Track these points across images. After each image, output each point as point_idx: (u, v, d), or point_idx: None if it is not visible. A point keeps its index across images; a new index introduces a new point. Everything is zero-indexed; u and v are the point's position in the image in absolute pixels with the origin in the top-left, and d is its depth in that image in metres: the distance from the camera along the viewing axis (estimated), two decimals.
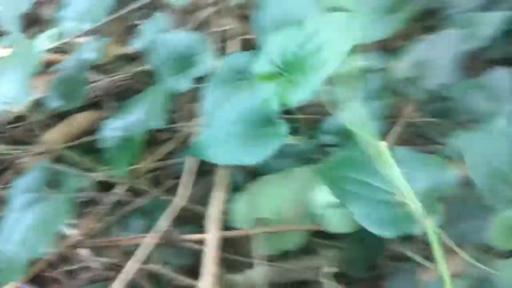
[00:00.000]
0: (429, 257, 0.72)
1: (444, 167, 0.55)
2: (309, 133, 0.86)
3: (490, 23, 0.86)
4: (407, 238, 0.77)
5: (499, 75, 0.77)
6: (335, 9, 0.96)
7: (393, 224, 0.51)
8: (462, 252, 0.62)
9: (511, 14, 0.87)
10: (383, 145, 0.60)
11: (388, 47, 1.12)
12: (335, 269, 0.82)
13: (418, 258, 0.69)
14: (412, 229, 0.51)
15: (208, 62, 0.79)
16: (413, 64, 0.74)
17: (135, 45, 0.92)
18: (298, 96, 0.57)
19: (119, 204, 0.78)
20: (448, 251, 0.69)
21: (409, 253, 0.70)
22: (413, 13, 0.78)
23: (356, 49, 0.97)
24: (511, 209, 0.50)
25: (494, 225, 0.50)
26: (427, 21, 1.16)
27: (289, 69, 0.62)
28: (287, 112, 0.91)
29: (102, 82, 0.95)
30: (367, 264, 0.80)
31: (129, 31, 1.12)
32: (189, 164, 0.72)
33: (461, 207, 0.73)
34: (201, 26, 1.08)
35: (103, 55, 0.88)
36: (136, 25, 1.13)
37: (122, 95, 1.04)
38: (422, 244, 0.79)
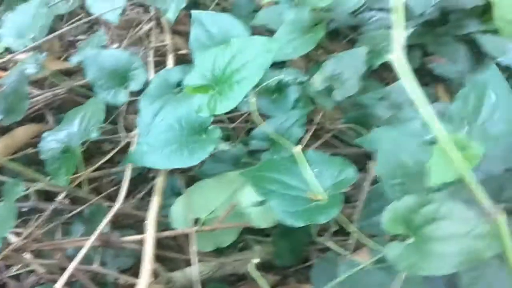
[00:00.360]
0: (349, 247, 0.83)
1: (347, 167, 0.65)
2: (241, 140, 0.94)
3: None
4: (334, 233, 0.87)
5: (400, 87, 0.90)
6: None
7: (303, 216, 0.60)
8: (368, 241, 0.72)
9: (413, 32, 1.01)
10: (297, 149, 0.69)
11: (313, 62, 1.24)
12: (264, 261, 0.91)
13: (339, 249, 0.77)
14: (320, 219, 0.60)
15: (143, 77, 0.85)
16: (325, 78, 0.84)
17: (74, 60, 0.96)
18: (225, 106, 0.65)
19: (62, 211, 0.81)
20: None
21: (332, 245, 0.78)
22: (324, 34, 0.88)
23: (282, 65, 1.08)
24: (399, 201, 0.60)
25: (385, 214, 0.60)
26: (348, 38, 1.30)
27: (218, 83, 0.70)
28: (221, 121, 0.99)
29: (43, 96, 0.97)
30: (295, 256, 0.89)
31: (69, 46, 1.14)
32: (129, 172, 0.77)
33: (373, 201, 0.84)
34: (138, 41, 1.13)
35: (43, 70, 0.91)
36: (75, 41, 1.16)
37: (63, 108, 1.06)
38: (343, 236, 0.89)
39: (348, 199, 1.06)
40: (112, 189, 0.90)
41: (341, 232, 0.82)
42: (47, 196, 0.90)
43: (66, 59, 1.13)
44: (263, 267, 0.98)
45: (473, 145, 0.59)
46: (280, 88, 0.90)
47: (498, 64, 1.15)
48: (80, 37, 1.19)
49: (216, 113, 0.67)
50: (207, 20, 0.92)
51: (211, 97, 0.67)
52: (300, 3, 0.95)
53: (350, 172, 0.64)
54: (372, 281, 0.70)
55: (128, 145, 0.94)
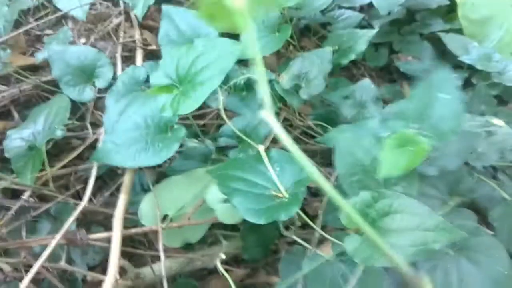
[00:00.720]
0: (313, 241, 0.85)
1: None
2: (211, 136, 0.95)
3: (362, 39, 1.02)
4: (301, 227, 0.89)
5: (365, 85, 0.93)
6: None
7: (266, 213, 0.62)
8: (329, 235, 0.75)
9: (378, 31, 1.04)
10: (261, 148, 0.71)
11: (284, 58, 1.26)
12: (233, 255, 0.93)
13: (304, 243, 0.80)
14: (281, 216, 0.62)
15: (110, 74, 0.85)
16: (293, 77, 0.86)
17: (39, 56, 0.95)
18: (188, 107, 0.66)
19: (28, 209, 0.81)
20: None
21: (298, 239, 0.80)
22: (291, 32, 0.89)
23: (252, 62, 1.09)
24: (356, 197, 0.63)
25: (342, 210, 0.63)
26: (319, 35, 1.32)
27: (182, 83, 0.70)
28: (188, 118, 1.00)
29: (8, 92, 0.96)
30: (263, 250, 0.91)
31: (35, 41, 1.12)
32: (95, 170, 0.77)
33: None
34: (107, 36, 1.12)
35: (8, 66, 0.90)
36: (42, 36, 1.14)
37: (29, 104, 1.05)
38: (311, 229, 0.92)
39: (316, 193, 1.09)
40: (80, 186, 0.90)
41: (308, 224, 0.84)
42: (14, 193, 0.89)
43: (32, 55, 1.11)
44: (233, 260, 1.00)
45: (422, 141, 0.62)
46: (249, 86, 0.91)
47: (461, 62, 1.21)
48: (47, 31, 1.16)
49: (179, 113, 0.67)
50: (177, 16, 0.92)
51: (174, 97, 0.68)
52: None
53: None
54: (335, 273, 0.73)
55: (96, 141, 0.94)
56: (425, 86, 0.74)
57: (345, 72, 1.37)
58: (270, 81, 0.90)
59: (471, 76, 1.25)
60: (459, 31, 1.31)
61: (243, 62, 1.10)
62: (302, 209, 0.98)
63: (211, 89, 0.65)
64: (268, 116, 0.21)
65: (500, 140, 0.91)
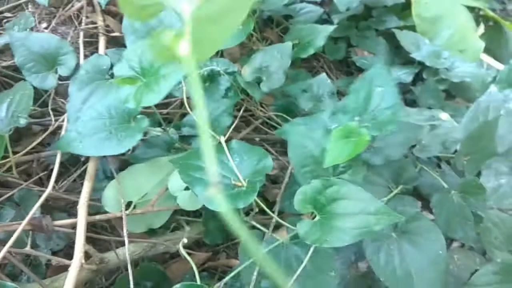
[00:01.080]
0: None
1: (265, 156, 0.72)
2: (174, 125, 0.98)
3: (321, 35, 1.07)
4: (260, 213, 0.94)
5: (322, 80, 0.98)
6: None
7: (226, 201, 0.66)
8: (284, 220, 0.80)
9: (337, 26, 1.09)
10: (222, 139, 0.75)
11: (247, 49, 1.29)
12: (195, 240, 0.97)
13: (262, 228, 0.85)
14: (239, 204, 0.66)
15: (73, 62, 0.86)
16: (254, 70, 0.90)
17: (0, 41, 0.93)
18: (151, 99, 0.68)
19: None
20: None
21: (257, 224, 0.85)
22: (253, 26, 0.93)
23: (216, 53, 1.12)
24: (308, 185, 0.69)
25: (296, 196, 0.68)
26: (281, 26, 1.36)
27: (145, 75, 0.73)
28: (151, 107, 1.02)
29: None
30: (223, 234, 0.96)
31: None
32: (59, 158, 0.79)
33: (294, 184, 0.92)
34: (69, 20, 1.11)
35: None
36: (1, 19, 1.11)
37: None
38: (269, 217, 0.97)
39: (276, 181, 1.14)
40: (43, 173, 0.90)
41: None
42: None
43: None
44: (195, 245, 1.05)
45: (363, 132, 0.69)
46: (212, 77, 0.94)
47: (413, 58, 1.29)
48: (6, 14, 1.14)
49: (142, 105, 0.69)
50: None
51: (137, 89, 0.70)
52: None
53: (268, 162, 0.71)
54: (289, 255, 0.79)
55: (57, 128, 0.95)
56: (364, 80, 0.80)
57: (305, 63, 1.43)
58: (233, 73, 0.93)
59: (421, 71, 1.34)
60: (413, 28, 1.38)
61: None
62: (262, 196, 1.03)
63: (174, 82, 0.67)
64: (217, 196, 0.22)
65: (443, 133, 1.00)
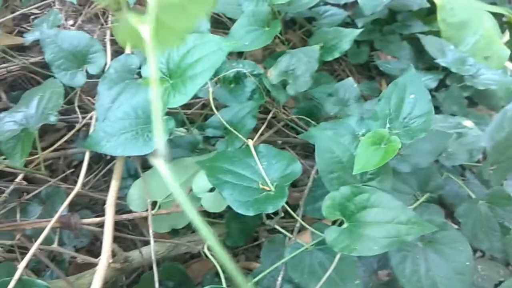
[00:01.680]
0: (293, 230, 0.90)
1: (293, 162, 0.72)
2: (198, 125, 0.98)
3: (346, 38, 1.07)
4: (283, 216, 0.94)
5: (348, 84, 0.97)
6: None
7: (254, 205, 0.66)
8: (309, 226, 0.80)
9: (360, 31, 1.08)
10: (250, 142, 0.75)
11: (270, 50, 1.29)
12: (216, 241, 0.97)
13: (284, 231, 0.85)
14: (268, 209, 0.66)
15: (102, 61, 0.86)
16: (280, 73, 0.89)
17: (29, 38, 0.94)
18: (178, 100, 0.68)
19: (18, 191, 0.82)
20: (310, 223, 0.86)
21: (279, 228, 0.85)
22: (279, 29, 0.92)
23: (240, 54, 1.12)
24: (337, 191, 0.68)
25: (324, 202, 0.68)
26: (304, 29, 1.35)
27: (172, 76, 0.73)
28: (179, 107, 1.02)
29: None
30: (245, 237, 0.96)
31: (21, 20, 1.11)
32: (88, 156, 0.79)
33: (318, 188, 0.92)
34: (95, 18, 1.12)
35: None
36: (28, 14, 1.13)
37: (15, 85, 1.04)
38: (290, 218, 0.97)
39: (296, 184, 1.14)
40: (69, 171, 0.91)
41: (288, 214, 0.89)
42: (0, 175, 0.90)
43: (18, 34, 1.10)
44: None
45: (394, 139, 0.68)
46: (238, 79, 0.94)
47: (437, 63, 1.27)
48: (33, 10, 1.15)
49: (169, 107, 0.69)
50: None
51: (165, 90, 0.70)
52: None
53: (296, 167, 0.71)
54: (314, 261, 0.78)
55: (84, 126, 0.96)
56: (396, 86, 0.79)
57: (326, 66, 1.42)
58: (259, 75, 0.93)
59: (445, 78, 1.32)
60: (437, 33, 1.37)
61: (231, 54, 1.13)
62: None
63: (201, 83, 0.67)
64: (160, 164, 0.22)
65: (470, 142, 0.98)
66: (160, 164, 0.22)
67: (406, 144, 0.81)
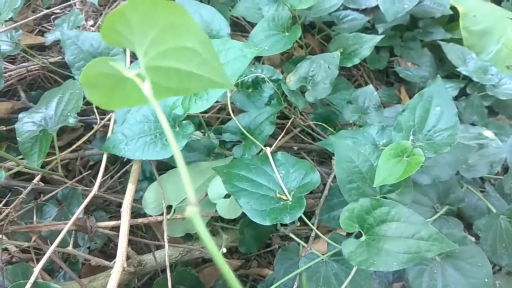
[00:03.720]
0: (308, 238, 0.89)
1: (312, 171, 0.70)
2: (214, 129, 0.97)
3: (367, 44, 1.05)
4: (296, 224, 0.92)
5: (368, 92, 0.96)
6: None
7: (270, 215, 0.65)
8: (324, 235, 0.78)
9: (381, 37, 1.06)
10: (268, 150, 0.74)
11: (288, 55, 1.28)
12: (227, 247, 0.96)
13: (298, 239, 0.83)
14: (285, 219, 0.65)
15: (122, 63, 0.86)
16: (299, 79, 0.88)
17: (50, 38, 0.95)
18: (199, 107, 0.68)
19: (34, 192, 0.82)
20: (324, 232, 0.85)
21: (293, 236, 0.84)
22: (300, 34, 0.91)
23: (258, 58, 1.11)
24: (356, 202, 0.67)
25: (342, 213, 0.67)
26: (323, 33, 1.34)
27: None
28: None
29: (15, 71, 0.95)
30: (258, 243, 0.95)
31: (42, 20, 1.11)
32: (105, 159, 0.79)
33: (334, 197, 0.90)
34: None
35: (18, 46, 0.90)
36: (49, 14, 1.13)
37: (35, 85, 1.05)
38: (304, 226, 0.96)
39: (311, 190, 1.12)
40: (86, 172, 0.91)
41: (302, 220, 0.88)
42: (16, 174, 0.90)
43: (39, 33, 1.10)
44: (228, 252, 1.04)
45: (417, 152, 0.66)
46: (256, 84, 0.93)
47: (458, 71, 1.25)
48: (54, 9, 1.16)
49: (190, 112, 0.69)
50: (190, 9, 0.92)
51: (186, 96, 0.69)
52: (281, 1, 0.97)
53: (315, 177, 0.69)
54: (329, 272, 0.77)
55: (102, 127, 0.96)
56: (421, 97, 0.77)
57: (344, 71, 1.40)
58: (277, 80, 0.92)
59: (466, 86, 1.30)
60: (459, 41, 1.34)
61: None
62: None
63: (223, 90, 0.66)
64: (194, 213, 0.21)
65: (491, 154, 0.96)
66: (194, 213, 0.21)
67: (427, 157, 0.80)
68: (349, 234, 0.77)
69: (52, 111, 0.79)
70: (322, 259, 0.76)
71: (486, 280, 0.75)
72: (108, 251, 0.96)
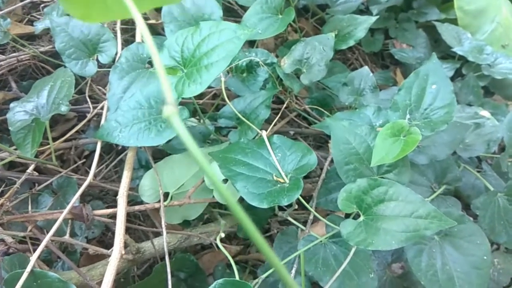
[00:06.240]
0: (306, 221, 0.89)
1: (308, 153, 0.70)
2: (209, 116, 0.96)
3: (362, 26, 1.04)
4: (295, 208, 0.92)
5: (364, 73, 0.95)
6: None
7: (268, 198, 0.64)
8: (323, 218, 0.78)
9: (375, 19, 1.05)
10: (264, 133, 0.73)
11: (282, 39, 1.26)
12: (227, 232, 0.96)
13: (297, 223, 0.83)
14: (283, 201, 0.64)
15: (113, 50, 0.85)
16: (294, 61, 0.87)
17: (39, 26, 0.93)
18: (193, 90, 0.66)
19: (29, 181, 0.81)
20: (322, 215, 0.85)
21: (292, 220, 0.83)
22: (293, 16, 0.89)
23: (252, 43, 1.09)
24: (354, 183, 0.66)
25: (340, 195, 0.66)
26: (317, 16, 1.32)
27: (186, 65, 0.70)
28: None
29: (6, 61, 0.94)
30: (257, 228, 0.94)
31: (31, 8, 1.09)
32: (99, 147, 0.78)
33: (331, 180, 0.90)
34: None
35: (7, 35, 0.88)
36: (38, 3, 1.11)
37: (26, 74, 1.03)
38: (302, 210, 0.96)
39: (309, 175, 1.12)
40: (81, 161, 0.90)
41: (301, 205, 0.88)
42: (10, 164, 0.89)
43: (28, 22, 1.08)
44: (227, 238, 1.04)
45: (414, 131, 0.66)
46: (251, 68, 0.92)
47: (454, 52, 1.24)
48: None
49: (184, 96, 0.68)
50: None
51: (179, 80, 0.68)
52: None
53: (312, 158, 0.69)
54: (328, 254, 0.77)
55: (95, 116, 0.94)
56: (417, 76, 0.76)
57: (339, 55, 1.39)
58: (272, 64, 0.91)
59: (461, 66, 1.29)
60: (454, 21, 1.33)
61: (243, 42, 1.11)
62: None
63: (216, 73, 0.65)
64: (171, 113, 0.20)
65: (487, 133, 0.96)
66: (172, 113, 0.20)
67: (424, 135, 0.79)
68: (347, 216, 0.77)
69: (44, 100, 0.77)
70: (321, 241, 0.76)
71: (485, 257, 0.76)
72: (106, 240, 0.96)
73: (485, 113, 1.08)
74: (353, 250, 0.72)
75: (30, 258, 0.58)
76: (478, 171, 0.99)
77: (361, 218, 0.66)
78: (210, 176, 0.20)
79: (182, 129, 0.20)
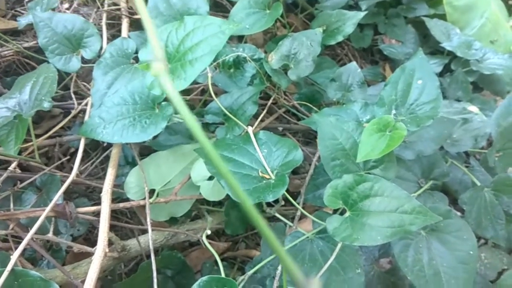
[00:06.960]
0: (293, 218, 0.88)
1: (294, 148, 0.69)
2: (197, 112, 0.95)
3: (350, 21, 1.03)
4: (283, 204, 0.92)
5: (351, 69, 0.94)
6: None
7: (253, 194, 0.64)
8: (309, 215, 0.78)
9: (364, 14, 1.05)
10: (249, 129, 0.73)
11: (271, 34, 1.26)
12: (215, 229, 0.95)
13: (285, 219, 0.83)
14: (268, 198, 0.64)
15: (97, 45, 0.83)
16: (282, 57, 0.86)
17: (22, 22, 0.91)
18: (177, 86, 0.65)
19: (11, 179, 0.80)
20: (311, 211, 0.85)
21: (280, 216, 0.83)
22: (281, 11, 0.89)
23: (240, 38, 1.09)
24: (340, 179, 0.66)
25: (326, 190, 0.66)
26: (306, 12, 1.32)
27: (171, 60, 0.69)
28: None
29: None
30: (244, 225, 0.94)
31: (15, 3, 1.07)
32: (83, 144, 0.77)
33: (319, 176, 0.90)
34: (90, 2, 1.08)
35: None
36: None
37: (9, 71, 1.01)
38: (290, 206, 0.95)
39: (297, 171, 1.12)
40: (65, 158, 0.89)
41: (289, 201, 0.87)
42: None
43: (12, 18, 1.07)
44: (215, 234, 1.03)
45: (400, 126, 0.65)
46: (238, 64, 0.91)
47: (443, 47, 1.24)
48: None
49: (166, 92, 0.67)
50: None
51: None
52: None
53: (297, 154, 0.68)
54: (315, 250, 0.77)
55: (79, 111, 0.93)
56: (403, 71, 0.76)
57: (328, 51, 1.38)
58: (259, 60, 0.90)
59: (450, 62, 1.29)
60: (443, 16, 1.33)
61: (231, 38, 1.10)
62: None
63: (201, 68, 0.64)
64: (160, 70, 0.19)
65: (475, 128, 0.96)
66: (161, 70, 0.19)
67: (410, 130, 0.79)
68: (335, 212, 0.77)
69: (26, 96, 0.76)
70: (308, 237, 0.76)
71: (471, 252, 0.76)
72: (92, 238, 0.95)
73: (473, 108, 1.08)
74: (339, 245, 0.72)
75: (11, 256, 0.57)
76: (466, 166, 1.00)
77: (347, 213, 0.66)
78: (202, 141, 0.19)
79: (172, 89, 0.19)
